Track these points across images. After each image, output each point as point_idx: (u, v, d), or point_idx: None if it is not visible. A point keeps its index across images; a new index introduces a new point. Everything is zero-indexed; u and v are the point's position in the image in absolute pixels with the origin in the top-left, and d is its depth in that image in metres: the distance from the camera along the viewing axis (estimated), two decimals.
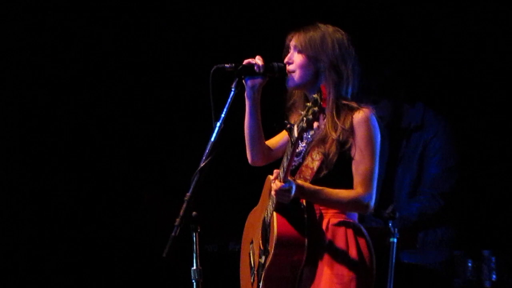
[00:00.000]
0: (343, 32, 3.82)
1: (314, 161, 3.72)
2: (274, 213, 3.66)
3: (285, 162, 3.56)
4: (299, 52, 3.79)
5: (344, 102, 3.73)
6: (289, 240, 3.64)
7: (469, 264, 5.37)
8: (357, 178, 3.69)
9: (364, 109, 3.72)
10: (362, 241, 3.74)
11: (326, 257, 3.69)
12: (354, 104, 3.72)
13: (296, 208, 3.65)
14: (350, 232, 3.73)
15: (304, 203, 3.68)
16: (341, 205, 3.71)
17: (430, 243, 4.98)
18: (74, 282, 6.51)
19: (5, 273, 6.41)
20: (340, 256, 3.69)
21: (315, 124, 3.74)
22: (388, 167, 5.02)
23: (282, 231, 3.63)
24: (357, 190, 3.68)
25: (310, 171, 3.72)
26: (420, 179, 4.94)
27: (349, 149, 3.70)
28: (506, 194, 5.90)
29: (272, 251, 3.64)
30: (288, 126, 3.44)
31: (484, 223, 5.88)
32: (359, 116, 3.70)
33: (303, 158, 3.76)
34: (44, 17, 6.46)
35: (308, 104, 3.39)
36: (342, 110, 3.72)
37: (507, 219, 5.88)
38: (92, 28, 6.50)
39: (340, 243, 3.70)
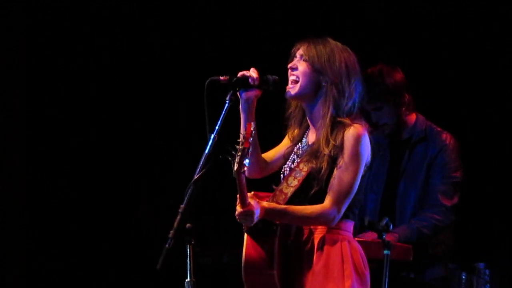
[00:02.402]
0: (351, 52, 3.83)
1: (288, 187, 3.75)
2: (245, 235, 3.71)
3: (238, 185, 3.57)
4: (305, 61, 3.79)
5: (339, 119, 3.74)
6: (255, 263, 3.68)
7: (463, 277, 5.36)
8: (330, 192, 3.69)
9: (356, 125, 3.72)
10: (357, 258, 3.75)
11: (320, 274, 3.70)
12: (347, 121, 3.73)
13: (268, 229, 3.68)
14: (345, 248, 3.73)
15: (278, 225, 3.70)
16: (308, 221, 3.72)
17: (429, 259, 4.98)
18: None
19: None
20: (335, 273, 3.69)
21: (309, 139, 3.81)
22: (389, 179, 5.02)
23: (249, 254, 3.69)
24: (324, 205, 3.68)
25: (283, 196, 3.74)
26: (426, 194, 4.94)
27: (336, 159, 3.71)
28: (500, 207, 5.91)
29: (243, 273, 3.70)
30: (230, 159, 3.49)
31: (478, 236, 5.88)
32: (350, 132, 3.70)
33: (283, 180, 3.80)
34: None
35: (239, 140, 3.48)
36: (336, 126, 3.73)
37: (501, 231, 5.88)
38: (85, 43, 6.52)
39: (335, 259, 3.71)
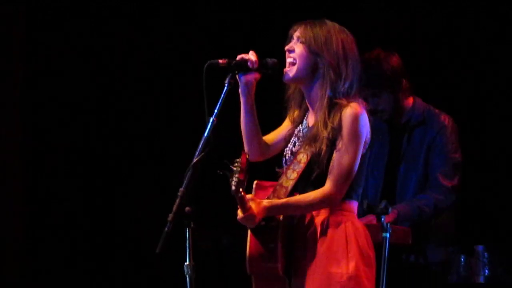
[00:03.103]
0: (348, 33, 3.81)
1: (288, 181, 3.74)
2: (249, 231, 3.72)
3: (237, 201, 3.59)
4: (302, 43, 3.78)
5: (336, 100, 3.73)
6: (258, 258, 3.70)
7: (462, 260, 5.38)
8: (330, 174, 3.69)
9: (353, 104, 3.71)
10: (361, 239, 3.74)
11: (324, 256, 3.70)
12: (344, 101, 3.72)
13: (270, 225, 3.70)
14: (349, 229, 3.73)
15: (281, 218, 3.71)
16: (311, 208, 3.72)
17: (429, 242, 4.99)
18: (66, 277, 6.51)
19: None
20: (339, 254, 3.70)
21: (309, 122, 3.80)
22: (389, 164, 5.02)
23: (252, 251, 3.71)
24: (324, 189, 3.68)
25: (284, 190, 3.74)
26: (426, 177, 4.94)
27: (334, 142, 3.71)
28: (499, 189, 5.91)
29: (247, 265, 3.73)
30: (228, 175, 3.53)
31: (477, 218, 5.89)
32: (347, 112, 3.69)
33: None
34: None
35: (235, 167, 3.50)
36: (333, 108, 3.72)
37: (500, 214, 5.89)
38: (80, 40, 6.51)
39: (339, 241, 3.71)
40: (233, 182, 3.49)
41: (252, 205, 3.61)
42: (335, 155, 3.69)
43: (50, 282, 6.47)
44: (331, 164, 3.69)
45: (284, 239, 3.70)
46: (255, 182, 3.77)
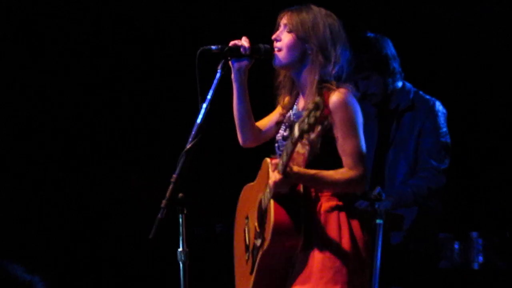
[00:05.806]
0: (335, 17, 3.81)
1: (304, 146, 3.72)
2: (271, 201, 3.63)
3: (284, 157, 3.52)
4: (289, 31, 3.77)
5: (325, 84, 3.72)
6: (285, 229, 3.61)
7: (456, 246, 5.39)
8: (347, 160, 3.66)
9: (340, 89, 3.69)
10: (355, 224, 3.73)
11: (319, 241, 3.68)
12: (332, 86, 3.70)
13: (294, 195, 3.64)
14: (343, 215, 3.71)
15: (302, 190, 3.67)
16: (337, 187, 3.70)
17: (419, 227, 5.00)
18: (60, 265, 6.51)
19: None
20: (333, 240, 3.68)
21: (299, 107, 3.81)
22: (378, 149, 5.02)
23: (279, 220, 3.61)
24: (350, 172, 3.66)
25: (302, 157, 3.68)
26: (416, 162, 4.95)
27: (330, 130, 3.66)
28: (493, 175, 5.92)
29: (269, 239, 3.62)
30: (292, 121, 3.46)
31: (471, 205, 5.90)
32: (335, 98, 3.66)
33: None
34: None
35: (309, 106, 3.32)
36: (321, 91, 3.68)
37: (493, 200, 5.90)
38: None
39: (332, 226, 3.69)
40: (304, 122, 3.28)
41: (288, 170, 3.54)
42: (339, 144, 3.66)
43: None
44: (341, 152, 3.66)
45: (307, 217, 3.66)
46: (269, 160, 3.72)
